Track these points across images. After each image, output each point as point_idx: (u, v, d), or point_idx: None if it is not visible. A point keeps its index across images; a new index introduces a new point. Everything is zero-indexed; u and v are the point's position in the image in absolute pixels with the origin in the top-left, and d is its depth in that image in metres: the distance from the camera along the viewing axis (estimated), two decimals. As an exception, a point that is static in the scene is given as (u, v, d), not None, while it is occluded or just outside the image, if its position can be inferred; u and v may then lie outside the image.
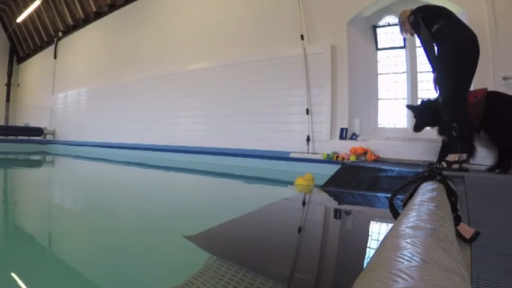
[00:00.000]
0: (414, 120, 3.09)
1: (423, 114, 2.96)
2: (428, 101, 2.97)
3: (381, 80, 4.25)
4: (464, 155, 2.52)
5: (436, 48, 2.69)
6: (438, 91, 2.69)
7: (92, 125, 8.44)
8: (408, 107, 3.32)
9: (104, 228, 1.62)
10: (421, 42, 2.80)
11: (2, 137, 8.31)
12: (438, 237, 0.51)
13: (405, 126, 4.03)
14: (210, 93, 5.56)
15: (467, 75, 2.55)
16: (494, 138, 2.72)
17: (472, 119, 2.60)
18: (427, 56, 2.75)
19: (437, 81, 2.69)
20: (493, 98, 2.64)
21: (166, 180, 3.78)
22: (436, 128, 2.95)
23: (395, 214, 1.08)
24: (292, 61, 4.53)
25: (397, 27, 3.99)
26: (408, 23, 2.92)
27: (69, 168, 5.11)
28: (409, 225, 0.58)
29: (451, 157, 2.53)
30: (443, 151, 2.84)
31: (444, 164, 2.55)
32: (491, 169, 2.68)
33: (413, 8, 2.96)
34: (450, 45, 2.53)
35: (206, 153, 5.00)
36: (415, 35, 2.96)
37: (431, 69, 2.82)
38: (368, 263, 0.44)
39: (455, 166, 2.49)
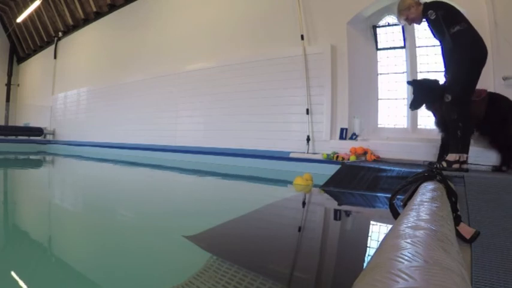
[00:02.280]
0: (412, 96, 3.00)
1: (426, 92, 2.87)
2: (434, 81, 2.87)
3: (381, 80, 4.25)
4: (465, 156, 2.52)
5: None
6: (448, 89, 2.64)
7: (91, 125, 8.44)
8: (409, 83, 3.12)
9: (104, 228, 1.62)
10: (441, 45, 2.73)
11: (2, 137, 8.31)
12: (438, 237, 0.51)
13: (405, 126, 4.03)
14: (210, 93, 5.56)
15: (476, 79, 2.58)
16: (495, 138, 2.71)
17: (472, 118, 2.60)
18: (445, 61, 2.72)
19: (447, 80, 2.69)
20: (494, 98, 2.66)
21: (166, 180, 3.78)
22: (434, 116, 2.90)
23: (395, 214, 1.08)
24: (292, 61, 4.53)
25: (396, 27, 4.02)
26: (414, 8, 2.81)
27: (69, 168, 5.11)
28: (409, 225, 0.58)
29: (452, 157, 2.53)
30: (443, 150, 2.84)
31: (444, 164, 2.55)
32: (497, 169, 2.66)
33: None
34: (470, 50, 2.52)
35: (206, 153, 5.01)
36: (432, 34, 2.81)
37: (444, 72, 2.79)
38: (368, 263, 0.44)
39: (455, 166, 2.49)
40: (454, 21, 2.57)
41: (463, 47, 2.54)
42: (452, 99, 2.54)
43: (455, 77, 2.58)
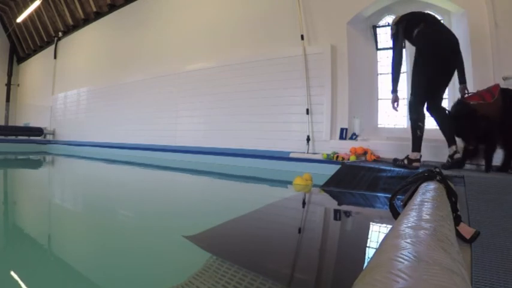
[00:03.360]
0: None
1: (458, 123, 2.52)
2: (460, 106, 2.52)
3: (381, 80, 4.25)
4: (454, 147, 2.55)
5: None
6: (411, 91, 2.71)
7: (91, 125, 8.44)
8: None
9: (104, 228, 1.62)
10: (392, 55, 2.78)
11: (2, 137, 8.31)
12: (438, 237, 0.51)
13: (405, 126, 4.03)
14: (210, 93, 5.56)
15: (439, 76, 2.60)
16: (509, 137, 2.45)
17: (493, 120, 2.40)
18: (392, 73, 2.76)
19: (395, 91, 2.77)
20: (509, 96, 2.43)
21: (166, 180, 3.78)
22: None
23: (395, 214, 1.08)
24: (292, 61, 4.53)
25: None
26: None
27: (69, 168, 5.11)
28: (409, 225, 0.58)
29: (413, 155, 2.62)
30: (468, 155, 2.60)
31: (406, 161, 2.65)
32: (501, 169, 2.48)
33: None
34: (425, 47, 2.57)
35: (206, 153, 5.01)
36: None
37: (391, 88, 2.80)
38: (368, 263, 0.44)
39: (415, 164, 2.59)
40: (415, 25, 2.66)
41: (421, 47, 2.61)
42: (412, 100, 2.62)
43: (414, 76, 2.64)
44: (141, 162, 5.47)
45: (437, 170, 1.33)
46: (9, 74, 13.39)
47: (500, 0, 3.15)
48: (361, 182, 2.56)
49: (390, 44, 4.18)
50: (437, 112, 2.73)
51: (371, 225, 1.80)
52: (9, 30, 12.58)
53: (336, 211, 2.15)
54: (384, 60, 4.24)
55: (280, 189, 3.36)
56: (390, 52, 4.20)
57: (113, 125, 7.68)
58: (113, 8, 8.21)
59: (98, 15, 8.71)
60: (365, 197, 2.35)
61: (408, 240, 0.47)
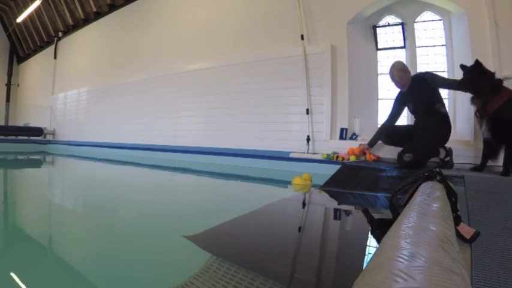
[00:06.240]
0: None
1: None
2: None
3: (381, 80, 4.25)
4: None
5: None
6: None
7: (91, 125, 8.44)
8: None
9: (104, 228, 1.62)
10: None
11: (2, 137, 8.31)
12: (438, 237, 0.51)
13: (405, 126, 4.02)
14: (210, 93, 5.56)
15: None
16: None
17: None
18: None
19: None
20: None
21: (166, 180, 3.78)
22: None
23: (395, 214, 1.08)
24: (292, 61, 4.52)
25: (396, 27, 4.07)
26: None
27: (69, 168, 5.11)
28: (409, 225, 0.58)
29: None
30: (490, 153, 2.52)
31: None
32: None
33: None
34: None
35: (206, 153, 5.00)
36: None
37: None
38: (368, 263, 0.44)
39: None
40: None
41: None
42: None
43: None
44: (141, 162, 5.47)
45: (437, 170, 1.33)
46: (9, 74, 13.39)
47: (500, 0, 3.15)
48: (361, 182, 2.56)
49: (390, 44, 4.20)
50: None
51: (371, 225, 1.80)
52: (9, 30, 12.58)
53: (336, 211, 2.15)
54: (384, 60, 4.24)
55: (280, 189, 3.36)
56: (390, 52, 4.22)
57: (113, 125, 7.68)
58: (112, 8, 8.21)
59: (98, 15, 8.70)
60: (365, 197, 2.35)
61: (408, 240, 0.47)
